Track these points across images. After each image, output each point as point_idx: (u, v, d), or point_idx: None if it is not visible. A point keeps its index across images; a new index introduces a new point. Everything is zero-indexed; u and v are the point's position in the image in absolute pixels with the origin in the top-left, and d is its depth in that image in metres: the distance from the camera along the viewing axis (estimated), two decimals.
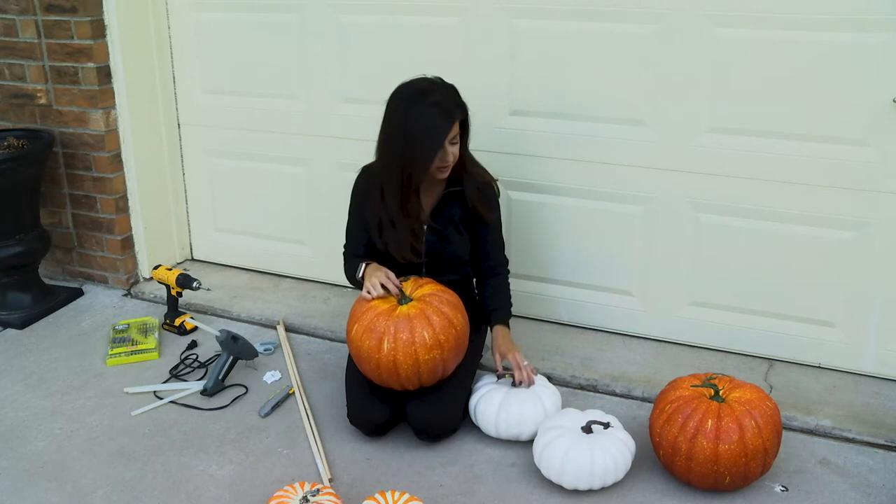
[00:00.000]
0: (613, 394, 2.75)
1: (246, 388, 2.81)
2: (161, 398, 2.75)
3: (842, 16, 2.44)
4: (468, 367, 2.60)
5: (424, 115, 2.36)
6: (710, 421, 2.15)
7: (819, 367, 2.81)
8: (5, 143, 3.16)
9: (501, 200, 2.69)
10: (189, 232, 3.73)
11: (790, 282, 2.75)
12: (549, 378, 2.70)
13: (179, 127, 3.56)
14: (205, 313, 3.35)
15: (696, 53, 2.63)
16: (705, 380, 2.30)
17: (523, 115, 2.92)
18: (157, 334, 3.12)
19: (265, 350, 3.03)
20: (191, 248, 3.76)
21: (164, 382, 2.86)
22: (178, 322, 3.16)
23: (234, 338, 2.81)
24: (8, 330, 3.24)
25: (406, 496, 2.07)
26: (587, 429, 2.29)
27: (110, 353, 3.00)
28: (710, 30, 2.60)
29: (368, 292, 2.43)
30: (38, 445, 2.53)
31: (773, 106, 2.59)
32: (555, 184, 2.95)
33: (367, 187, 2.58)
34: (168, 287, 3.17)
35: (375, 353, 2.36)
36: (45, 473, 2.40)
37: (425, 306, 2.39)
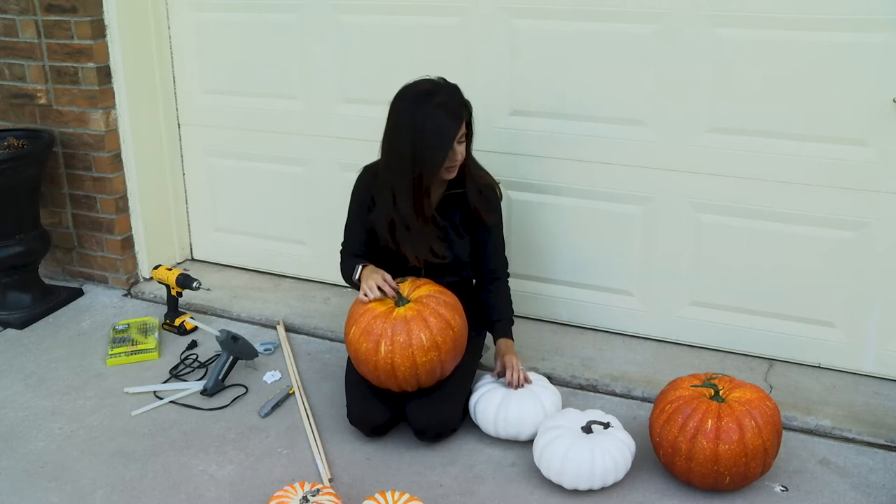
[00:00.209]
0: (613, 394, 2.75)
1: (246, 388, 2.81)
2: (161, 398, 2.75)
3: (842, 16, 2.44)
4: (468, 368, 2.60)
5: (432, 116, 2.36)
6: (710, 421, 2.15)
7: (819, 367, 2.81)
8: (5, 143, 3.16)
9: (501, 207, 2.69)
10: (189, 232, 3.73)
11: (790, 282, 2.75)
12: (549, 378, 2.70)
13: (179, 127, 3.56)
14: (205, 313, 3.35)
15: (696, 53, 2.63)
16: (705, 380, 2.30)
17: (523, 115, 2.92)
18: (157, 334, 3.12)
19: (265, 350, 3.03)
20: (191, 248, 3.76)
21: (164, 382, 2.86)
22: (178, 322, 3.16)
23: (234, 338, 2.81)
24: (8, 330, 3.24)
25: (406, 496, 2.07)
26: (587, 429, 2.29)
27: (110, 353, 3.00)
28: (710, 30, 2.60)
29: (365, 294, 2.43)
30: (38, 445, 2.53)
31: (773, 106, 2.59)
32: (555, 184, 2.95)
33: (371, 189, 2.57)
34: (168, 287, 3.17)
35: (373, 356, 2.36)
36: (45, 473, 2.41)
37: (423, 308, 2.39)
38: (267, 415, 2.66)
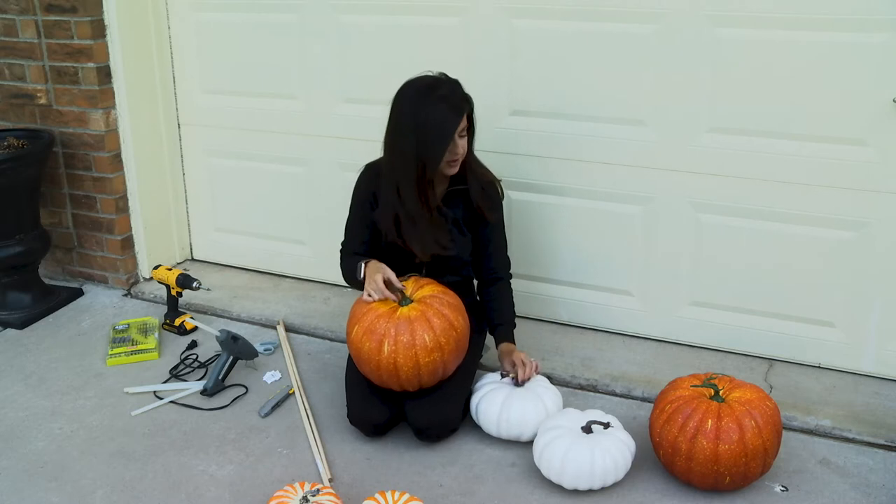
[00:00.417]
0: (613, 394, 2.75)
1: (246, 388, 2.81)
2: (161, 398, 2.75)
3: (842, 16, 2.44)
4: (468, 368, 2.60)
5: (433, 109, 2.37)
6: (710, 421, 2.15)
7: (819, 367, 2.81)
8: (5, 143, 3.16)
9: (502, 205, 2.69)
10: (189, 232, 3.73)
11: (790, 282, 2.75)
12: (550, 378, 2.70)
13: (179, 127, 3.56)
14: (205, 313, 3.35)
15: (696, 53, 2.63)
16: (705, 380, 2.30)
17: (523, 115, 2.92)
18: (157, 334, 3.12)
19: (265, 350, 3.03)
20: (191, 248, 3.76)
21: (164, 382, 2.86)
22: (178, 322, 3.16)
23: (234, 338, 2.81)
24: (8, 330, 3.24)
25: (406, 496, 2.07)
26: (587, 429, 2.29)
27: (110, 353, 3.00)
28: (710, 30, 2.60)
29: (370, 295, 2.43)
30: (38, 445, 2.53)
31: (773, 106, 2.59)
32: (555, 184, 2.95)
33: (374, 186, 2.57)
34: (168, 287, 3.17)
35: (376, 356, 2.36)
36: (45, 473, 2.40)
37: (426, 308, 2.39)
38: (267, 415, 2.66)
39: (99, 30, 3.19)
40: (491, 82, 2.89)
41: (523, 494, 2.28)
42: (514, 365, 2.55)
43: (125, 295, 3.52)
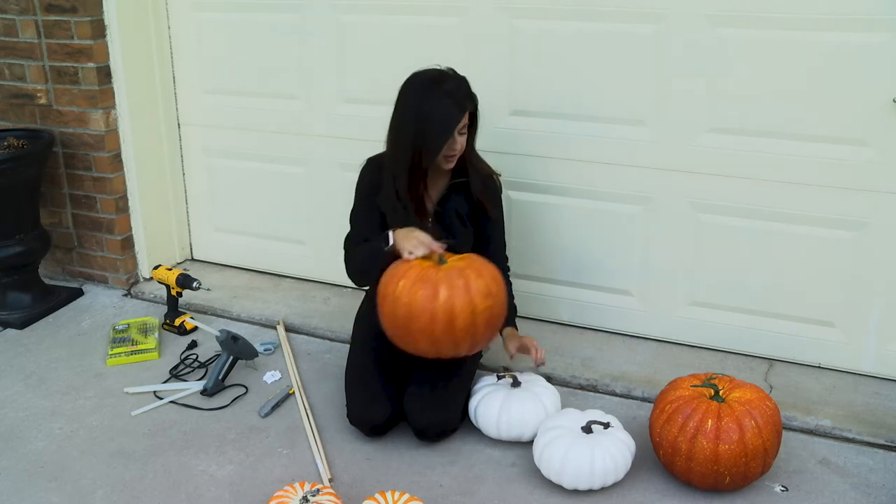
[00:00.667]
0: (613, 394, 2.75)
1: (246, 388, 2.81)
2: (161, 398, 2.75)
3: (842, 16, 2.44)
4: (468, 367, 2.60)
5: (437, 102, 2.38)
6: (710, 421, 2.15)
7: (819, 367, 2.81)
8: (5, 143, 3.16)
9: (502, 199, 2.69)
10: (189, 232, 3.73)
11: (790, 282, 2.75)
12: (549, 378, 2.71)
13: (179, 127, 3.56)
14: (205, 313, 3.35)
15: (696, 53, 2.63)
16: (705, 380, 2.30)
17: (523, 115, 2.92)
18: (157, 334, 3.12)
19: (265, 350, 3.03)
20: (191, 248, 3.76)
21: (164, 382, 2.86)
22: (178, 322, 3.17)
23: (234, 338, 2.81)
24: (8, 330, 3.24)
25: (406, 496, 2.07)
26: (587, 429, 2.29)
27: (110, 353, 3.00)
28: (710, 30, 2.60)
29: (410, 253, 2.34)
30: (38, 445, 2.53)
31: (773, 106, 2.59)
32: (555, 184, 2.95)
33: (377, 175, 2.56)
34: (168, 287, 3.17)
35: (430, 303, 2.22)
36: (45, 473, 2.40)
37: (472, 261, 2.35)
38: (267, 415, 2.66)
39: (99, 30, 3.19)
40: (491, 82, 2.89)
41: (523, 494, 2.28)
42: (518, 349, 2.57)
43: (125, 295, 3.52)
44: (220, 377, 2.78)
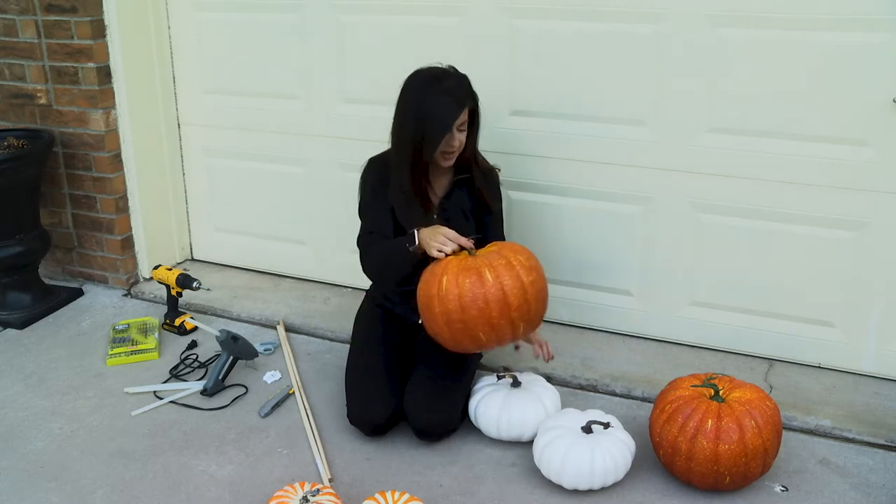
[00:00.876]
0: (613, 394, 2.75)
1: (246, 388, 2.81)
2: (161, 398, 2.75)
3: (842, 16, 2.44)
4: (468, 367, 2.60)
5: (436, 99, 2.40)
6: (710, 421, 2.15)
7: (819, 367, 2.81)
8: (5, 143, 3.16)
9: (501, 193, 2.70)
10: (189, 232, 3.73)
11: (790, 282, 2.75)
12: (549, 378, 2.71)
13: (179, 127, 3.56)
14: (205, 313, 3.35)
15: (696, 53, 2.63)
16: (705, 380, 2.30)
17: (523, 115, 2.92)
18: (157, 334, 3.12)
19: (265, 350, 3.03)
20: (191, 248, 3.76)
21: (164, 382, 2.86)
22: (178, 322, 3.17)
23: (234, 338, 2.81)
24: (8, 330, 3.24)
25: (406, 496, 2.07)
26: (587, 429, 2.29)
27: (110, 353, 3.00)
28: (710, 30, 2.60)
29: (440, 251, 2.34)
30: (38, 445, 2.53)
31: (773, 106, 2.59)
32: (555, 184, 2.95)
33: (382, 171, 2.57)
34: (168, 287, 3.17)
35: (480, 288, 2.21)
36: (45, 473, 2.40)
37: (500, 245, 2.38)
38: (267, 415, 2.66)
39: (99, 30, 3.19)
40: (491, 82, 2.89)
41: (523, 494, 2.28)
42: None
43: (125, 295, 3.52)
44: (220, 377, 2.78)
